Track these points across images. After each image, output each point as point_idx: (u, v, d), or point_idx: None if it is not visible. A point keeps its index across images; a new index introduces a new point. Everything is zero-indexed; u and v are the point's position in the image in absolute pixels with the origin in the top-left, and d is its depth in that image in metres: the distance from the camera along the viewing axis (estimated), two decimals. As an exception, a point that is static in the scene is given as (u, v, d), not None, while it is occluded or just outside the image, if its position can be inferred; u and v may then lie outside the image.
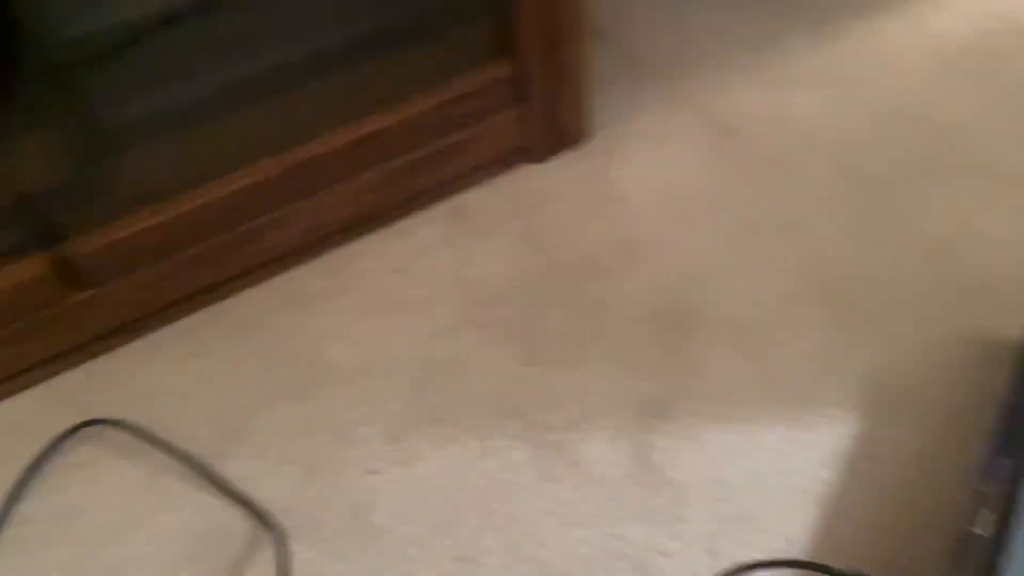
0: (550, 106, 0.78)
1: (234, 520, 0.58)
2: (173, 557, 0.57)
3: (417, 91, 0.72)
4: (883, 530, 0.56)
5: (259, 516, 0.58)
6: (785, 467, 0.59)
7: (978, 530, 0.47)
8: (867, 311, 0.68)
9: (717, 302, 0.69)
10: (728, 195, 0.77)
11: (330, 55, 0.71)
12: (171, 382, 0.67)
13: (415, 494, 0.59)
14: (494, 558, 0.56)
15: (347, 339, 0.68)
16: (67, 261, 0.63)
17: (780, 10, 0.94)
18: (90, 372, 0.68)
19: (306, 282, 0.73)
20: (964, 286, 0.69)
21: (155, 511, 0.59)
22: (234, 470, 0.61)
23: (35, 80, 0.62)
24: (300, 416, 0.64)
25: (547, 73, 0.75)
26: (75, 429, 0.63)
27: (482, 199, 0.79)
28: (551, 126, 0.79)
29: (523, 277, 0.72)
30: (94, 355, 0.69)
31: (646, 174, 0.80)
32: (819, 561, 0.54)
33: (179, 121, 0.67)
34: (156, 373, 0.67)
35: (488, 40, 0.74)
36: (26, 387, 0.67)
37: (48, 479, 0.61)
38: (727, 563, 0.55)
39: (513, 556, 0.56)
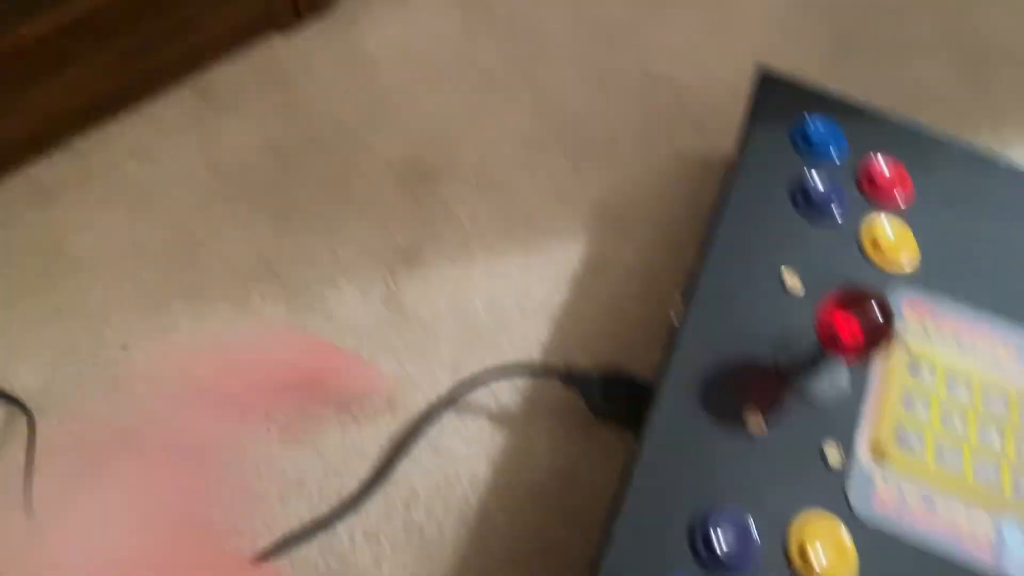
0: (285, -28, 0.77)
1: (-13, 414, 0.58)
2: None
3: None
4: (608, 335, 0.63)
5: (11, 401, 0.58)
6: (522, 291, 0.65)
7: (675, 322, 0.54)
8: (596, 145, 0.73)
9: (461, 152, 0.73)
10: (472, 51, 0.80)
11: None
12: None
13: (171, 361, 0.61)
14: (254, 410, 0.59)
15: (92, 229, 0.67)
16: None
17: None
18: None
19: (45, 175, 0.70)
20: (682, 113, 0.76)
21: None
22: (-18, 367, 0.60)
23: None
24: (47, 306, 0.63)
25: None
26: None
27: (229, 75, 0.77)
28: (290, -6, 0.78)
29: (273, 149, 0.73)
30: None
31: (393, 36, 0.80)
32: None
33: None
34: None
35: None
36: None
37: None
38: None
39: (271, 405, 0.59)
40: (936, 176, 0.56)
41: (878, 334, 0.41)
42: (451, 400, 0.59)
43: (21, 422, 0.58)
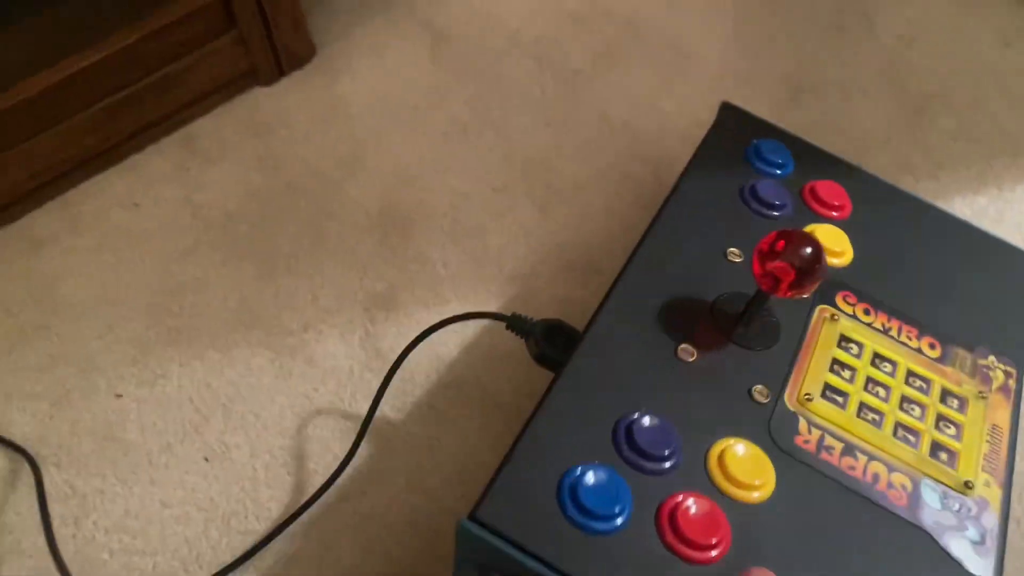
0: (266, 28, 0.81)
1: (-15, 460, 0.62)
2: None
3: (118, 26, 0.73)
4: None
5: (14, 449, 0.61)
6: (495, 335, 0.69)
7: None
8: (561, 190, 0.78)
9: (433, 199, 0.77)
10: (442, 98, 0.84)
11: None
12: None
13: (162, 408, 0.64)
14: (241, 451, 0.63)
15: (81, 275, 0.71)
16: None
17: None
18: None
19: (35, 227, 0.74)
20: (640, 159, 0.81)
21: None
22: (-20, 415, 0.63)
23: None
24: (41, 354, 0.67)
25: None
26: None
27: (212, 126, 0.81)
28: (271, 48, 0.82)
29: (255, 197, 0.77)
30: None
31: (368, 86, 0.85)
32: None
33: None
34: None
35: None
36: None
37: None
38: (448, 422, 0.65)
39: (257, 446, 0.63)
40: (872, 203, 0.61)
41: (809, 269, 0.45)
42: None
43: (25, 470, 0.61)
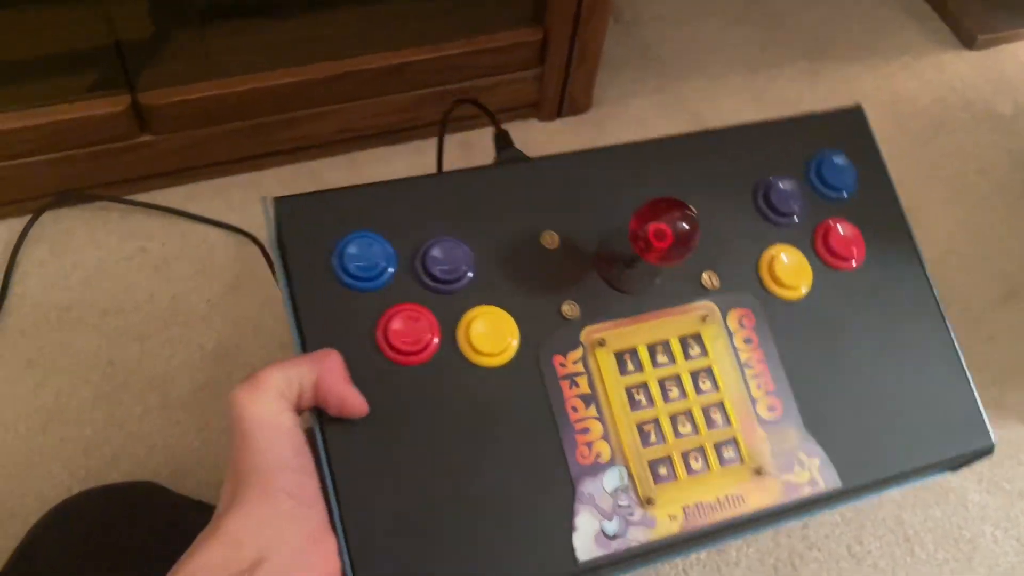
0: (563, 75, 0.91)
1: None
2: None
3: (456, 35, 0.84)
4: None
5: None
6: None
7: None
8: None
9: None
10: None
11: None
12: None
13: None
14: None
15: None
16: (141, 107, 0.75)
17: (778, 40, 1.08)
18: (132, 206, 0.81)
19: (325, 171, 0.86)
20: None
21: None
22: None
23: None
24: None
25: (568, 45, 0.88)
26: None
27: (485, 139, 0.92)
28: (560, 92, 0.93)
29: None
30: (144, 190, 0.82)
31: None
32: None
33: (255, 10, 0.79)
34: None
35: (522, 6, 0.86)
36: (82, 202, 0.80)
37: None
38: None
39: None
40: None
41: (683, 238, 0.39)
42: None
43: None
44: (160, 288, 0.77)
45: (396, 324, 0.40)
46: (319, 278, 0.40)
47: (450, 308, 0.41)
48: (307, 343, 0.39)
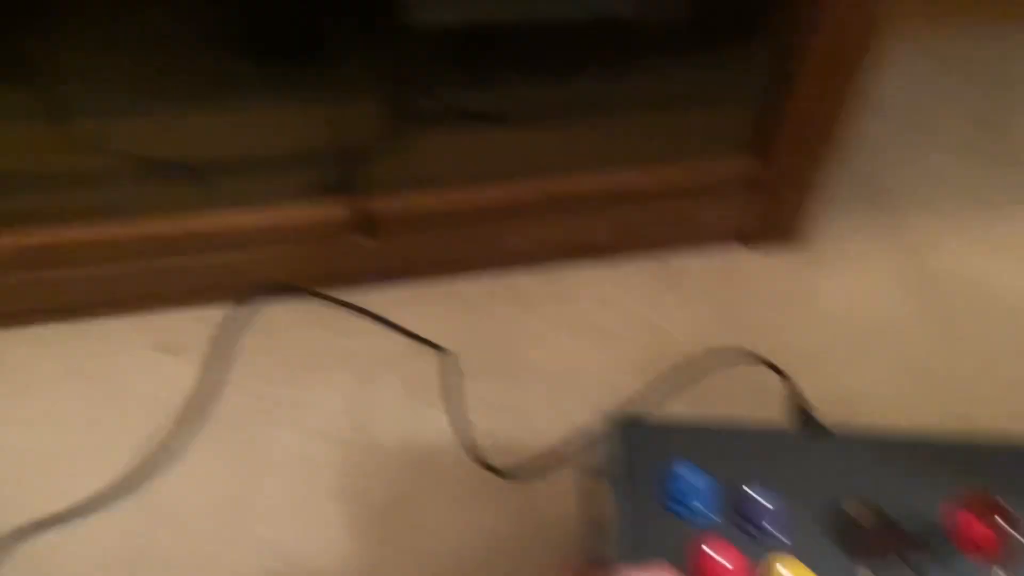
0: (779, 204, 0.87)
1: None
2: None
3: (672, 160, 0.83)
4: None
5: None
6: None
7: None
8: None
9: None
10: (904, 338, 0.84)
11: (616, 104, 0.83)
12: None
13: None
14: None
15: (545, 346, 0.81)
16: (367, 212, 0.78)
17: (1019, 175, 0.99)
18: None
19: (527, 284, 0.86)
20: None
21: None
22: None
23: (381, 45, 0.76)
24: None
25: (788, 176, 0.84)
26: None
27: (690, 264, 0.89)
28: (772, 221, 0.88)
29: (703, 341, 0.81)
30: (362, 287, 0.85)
31: (840, 292, 0.87)
32: None
33: (480, 120, 0.81)
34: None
35: (744, 133, 0.84)
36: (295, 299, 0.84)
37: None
38: None
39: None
40: None
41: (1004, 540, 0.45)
42: None
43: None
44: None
45: (709, 553, 0.46)
46: (646, 496, 0.48)
47: (755, 551, 0.46)
48: (623, 552, 0.46)
